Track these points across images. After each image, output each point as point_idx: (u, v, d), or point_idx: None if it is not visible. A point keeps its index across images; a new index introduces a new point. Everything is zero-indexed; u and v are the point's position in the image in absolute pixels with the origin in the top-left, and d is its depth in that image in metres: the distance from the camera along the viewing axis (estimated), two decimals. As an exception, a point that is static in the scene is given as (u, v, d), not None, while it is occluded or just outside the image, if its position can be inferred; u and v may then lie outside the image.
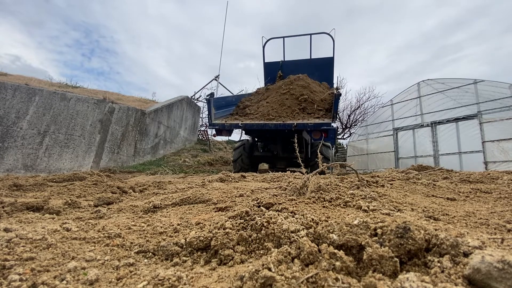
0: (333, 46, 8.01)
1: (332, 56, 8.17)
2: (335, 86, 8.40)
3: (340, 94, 5.85)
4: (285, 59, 8.92)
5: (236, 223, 1.13)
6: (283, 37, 8.55)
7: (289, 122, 6.24)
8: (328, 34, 8.10)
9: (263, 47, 8.88)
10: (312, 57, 8.54)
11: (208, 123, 8.97)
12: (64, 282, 0.76)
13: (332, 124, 6.36)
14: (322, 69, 8.16)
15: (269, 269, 0.71)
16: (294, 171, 4.19)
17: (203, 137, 14.74)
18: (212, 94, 7.55)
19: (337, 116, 6.80)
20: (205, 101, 7.21)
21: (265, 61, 9.06)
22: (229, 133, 7.69)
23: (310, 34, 8.24)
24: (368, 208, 1.34)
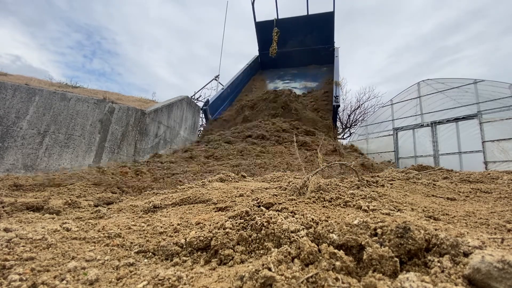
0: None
1: (332, 10, 7.12)
2: (335, 46, 7.43)
3: (339, 106, 5.38)
4: (280, 17, 7.66)
5: (236, 223, 1.13)
6: None
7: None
8: None
9: (252, 3, 7.71)
10: (309, 13, 7.40)
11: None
12: (64, 282, 0.76)
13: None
14: (321, 26, 7.18)
15: (269, 269, 0.71)
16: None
17: (203, 137, 14.71)
18: (207, 102, 6.98)
19: (336, 128, 6.19)
20: (202, 112, 6.66)
21: (256, 20, 7.83)
22: None
23: None
24: (368, 208, 1.34)
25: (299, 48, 7.19)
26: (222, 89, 7.61)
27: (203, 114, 7.29)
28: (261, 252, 0.94)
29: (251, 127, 5.53)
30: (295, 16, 7.74)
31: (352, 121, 21.75)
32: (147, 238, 1.15)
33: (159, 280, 0.77)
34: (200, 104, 14.79)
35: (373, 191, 1.91)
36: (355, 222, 0.90)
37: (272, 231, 0.97)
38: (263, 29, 7.96)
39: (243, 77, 8.21)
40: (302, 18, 7.57)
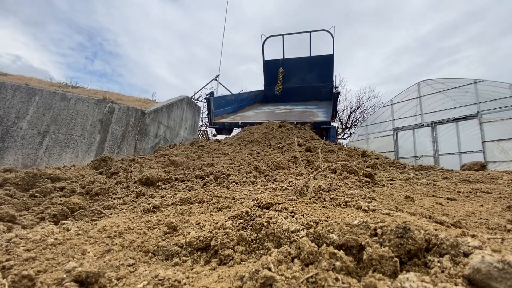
0: (333, 43, 7.97)
1: (331, 53, 8.09)
2: (334, 84, 8.35)
3: (339, 93, 5.76)
4: (285, 57, 8.79)
5: (236, 223, 1.13)
6: (283, 35, 8.52)
7: (290, 121, 6.40)
8: (328, 31, 8.04)
9: (263, 45, 8.82)
10: (311, 55, 8.46)
11: (208, 123, 9.04)
12: (64, 282, 0.76)
13: (332, 123, 6.50)
14: (322, 66, 8.11)
15: (269, 269, 0.71)
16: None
17: (203, 137, 14.75)
18: (212, 93, 7.56)
19: (337, 115, 6.81)
20: (205, 101, 7.10)
21: (265, 59, 8.97)
22: (229, 132, 7.79)
23: (310, 32, 8.20)
24: (368, 208, 1.34)
25: (301, 84, 8.06)
26: (230, 94, 8.08)
27: (206, 105, 7.63)
28: (261, 252, 0.95)
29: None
30: (299, 56, 8.68)
31: (352, 121, 21.76)
32: (146, 238, 1.15)
33: (159, 280, 0.77)
34: (200, 104, 14.85)
35: (373, 191, 1.91)
36: (355, 222, 0.90)
37: (272, 231, 0.97)
38: (270, 66, 8.89)
39: (248, 97, 9.11)
40: (305, 58, 8.50)
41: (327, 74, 8.12)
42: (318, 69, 8.23)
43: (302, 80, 8.33)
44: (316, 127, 6.54)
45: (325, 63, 8.12)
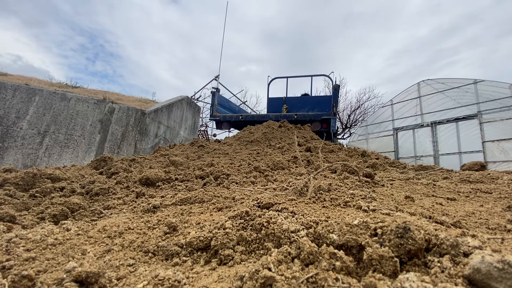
0: (332, 87, 8.72)
1: (330, 95, 8.75)
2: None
3: (339, 86, 5.96)
4: (288, 96, 9.66)
5: (236, 223, 1.13)
6: (287, 77, 9.47)
7: (289, 114, 6.70)
8: (328, 76, 8.80)
9: (268, 84, 9.61)
10: (313, 95, 9.38)
11: (209, 116, 9.49)
12: (64, 282, 0.76)
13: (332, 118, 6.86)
14: (322, 105, 8.78)
15: (269, 269, 0.71)
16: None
17: (203, 137, 14.76)
18: (218, 89, 7.88)
19: (337, 107, 7.17)
20: (205, 102, 7.34)
21: (269, 96, 9.78)
22: (229, 125, 7.97)
23: (311, 76, 9.13)
24: (368, 208, 1.34)
25: (302, 120, 8.74)
26: (236, 102, 8.57)
27: (206, 105, 7.97)
28: (261, 252, 0.95)
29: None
30: (300, 96, 9.68)
31: (352, 121, 21.76)
32: (146, 238, 1.15)
33: (159, 280, 0.77)
34: (200, 104, 14.89)
35: (373, 191, 1.91)
36: (355, 222, 0.90)
37: (272, 231, 0.97)
38: (273, 103, 9.65)
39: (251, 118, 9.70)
40: (306, 97, 9.42)
41: (327, 114, 8.98)
42: (318, 107, 8.86)
43: (303, 117, 9.44)
44: (316, 120, 6.82)
45: (325, 103, 8.71)
